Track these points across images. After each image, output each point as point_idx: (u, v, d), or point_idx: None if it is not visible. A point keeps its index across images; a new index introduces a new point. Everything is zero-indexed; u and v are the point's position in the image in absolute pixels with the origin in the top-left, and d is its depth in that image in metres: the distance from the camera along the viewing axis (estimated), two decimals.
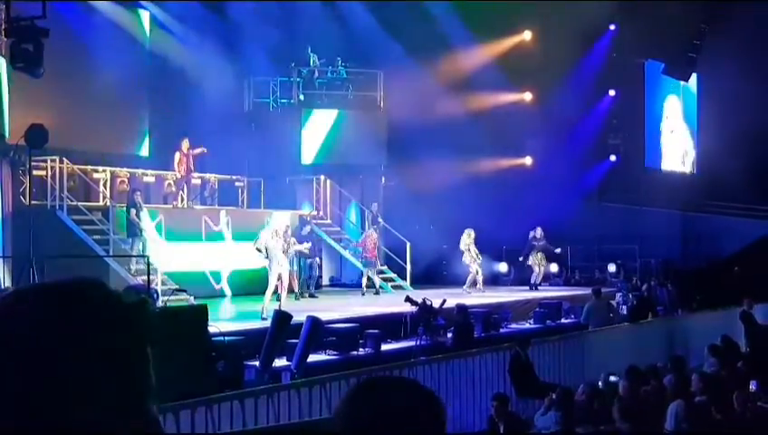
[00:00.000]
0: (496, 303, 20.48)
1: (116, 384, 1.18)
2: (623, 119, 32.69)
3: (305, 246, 20.44)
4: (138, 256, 18.09)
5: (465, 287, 22.82)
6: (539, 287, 24.65)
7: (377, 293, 22.52)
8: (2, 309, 1.19)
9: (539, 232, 24.97)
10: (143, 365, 1.22)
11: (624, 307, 22.41)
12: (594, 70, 31.15)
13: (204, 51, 24.51)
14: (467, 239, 23.37)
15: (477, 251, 23.42)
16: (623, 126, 32.79)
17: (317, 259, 23.10)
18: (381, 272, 24.12)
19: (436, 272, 27.07)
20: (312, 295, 21.78)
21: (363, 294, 22.25)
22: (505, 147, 29.43)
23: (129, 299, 1.24)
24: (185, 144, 21.11)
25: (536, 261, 24.90)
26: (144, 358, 1.22)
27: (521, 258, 25.46)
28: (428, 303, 15.33)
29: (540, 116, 29.57)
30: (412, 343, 15.21)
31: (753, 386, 11.16)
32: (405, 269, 24.34)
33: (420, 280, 24.34)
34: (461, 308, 16.32)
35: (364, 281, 22.83)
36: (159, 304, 14.34)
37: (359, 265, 23.57)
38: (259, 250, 16.94)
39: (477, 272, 23.35)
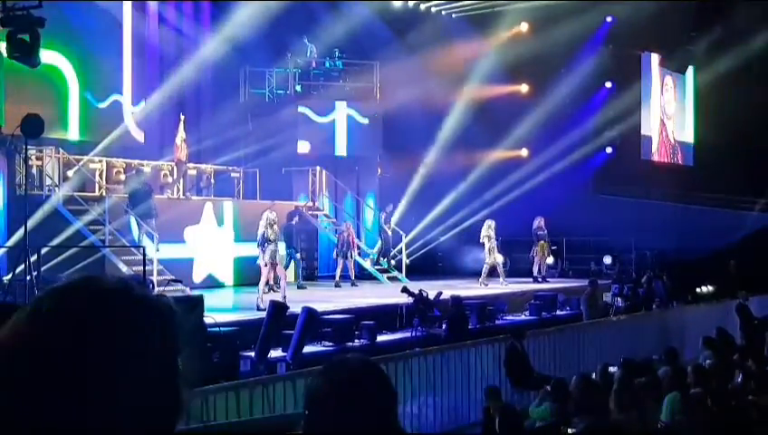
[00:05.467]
0: (492, 294, 20.44)
1: (160, 380, 1.22)
2: (619, 111, 32.63)
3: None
4: (133, 245, 18.06)
5: (480, 280, 22.52)
6: (547, 279, 24.22)
7: (353, 284, 22.28)
8: (45, 311, 1.20)
9: (542, 221, 24.67)
10: (176, 359, 1.27)
11: (619, 299, 22.36)
12: (591, 62, 31.11)
13: (200, 40, 24.44)
14: (487, 230, 22.73)
15: (496, 242, 22.67)
16: (619, 118, 32.73)
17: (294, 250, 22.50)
18: (378, 263, 24.08)
19: (431, 263, 27.06)
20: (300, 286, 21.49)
21: (338, 286, 21.99)
22: (501, 138, 29.40)
23: (164, 301, 1.27)
24: (181, 133, 21.02)
25: (542, 251, 24.42)
26: (177, 353, 1.27)
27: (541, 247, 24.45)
28: (425, 294, 15.34)
29: (536, 108, 29.56)
30: (407, 335, 15.22)
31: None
32: (400, 260, 24.28)
33: (415, 271, 24.28)
34: (456, 300, 16.31)
35: (338, 272, 22.56)
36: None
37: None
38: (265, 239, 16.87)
39: (496, 263, 22.74)
